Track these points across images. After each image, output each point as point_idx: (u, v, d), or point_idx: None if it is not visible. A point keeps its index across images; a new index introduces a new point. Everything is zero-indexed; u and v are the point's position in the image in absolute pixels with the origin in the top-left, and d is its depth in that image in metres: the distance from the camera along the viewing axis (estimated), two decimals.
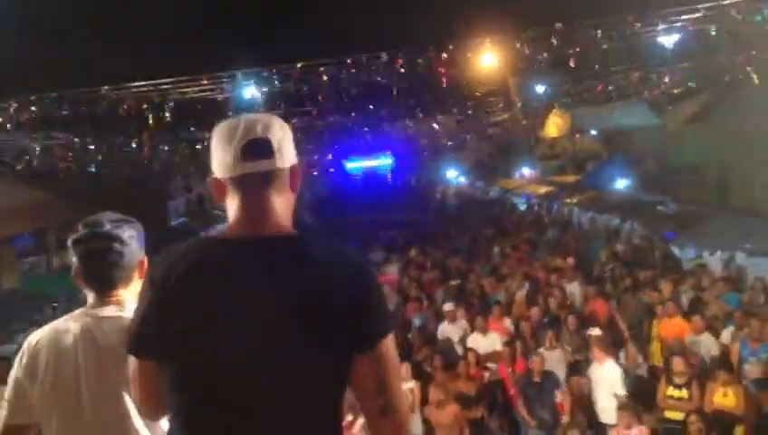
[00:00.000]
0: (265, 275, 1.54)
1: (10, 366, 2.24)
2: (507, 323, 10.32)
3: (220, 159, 1.66)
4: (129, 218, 2.33)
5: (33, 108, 12.01)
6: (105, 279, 2.22)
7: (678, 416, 7.64)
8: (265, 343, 1.52)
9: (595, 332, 8.77)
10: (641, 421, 7.26)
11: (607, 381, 7.95)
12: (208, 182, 1.76)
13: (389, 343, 1.64)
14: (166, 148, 16.56)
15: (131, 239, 2.26)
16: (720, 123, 17.24)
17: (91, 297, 2.26)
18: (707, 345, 8.89)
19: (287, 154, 1.71)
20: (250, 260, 1.56)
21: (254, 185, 1.65)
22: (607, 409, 7.88)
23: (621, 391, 7.81)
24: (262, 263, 1.56)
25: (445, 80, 11.13)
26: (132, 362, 1.70)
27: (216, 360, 1.52)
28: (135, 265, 2.27)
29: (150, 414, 1.84)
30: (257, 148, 1.64)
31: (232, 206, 1.67)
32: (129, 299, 2.25)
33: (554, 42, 11.25)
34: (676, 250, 14.34)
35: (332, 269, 1.58)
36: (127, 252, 2.23)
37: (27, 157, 16.24)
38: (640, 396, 8.09)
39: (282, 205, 1.69)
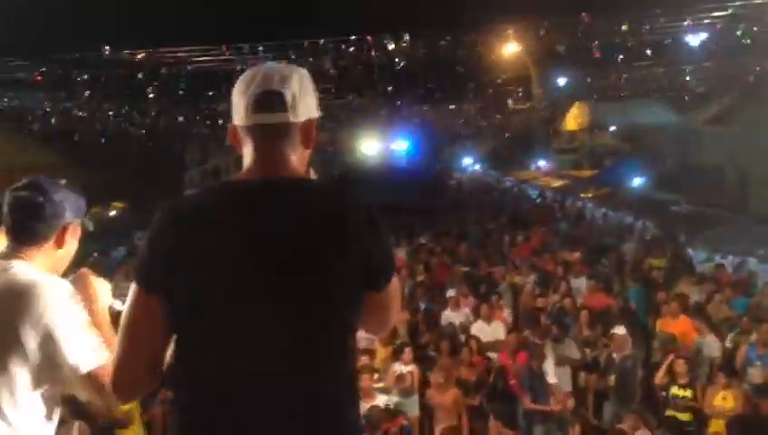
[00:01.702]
0: (279, 215, 1.56)
1: None
2: (506, 313, 10.33)
3: (236, 108, 1.68)
4: (76, 189, 2.28)
5: (54, 68, 12.05)
6: (20, 229, 2.14)
7: (686, 416, 7.63)
8: (281, 282, 1.54)
9: (620, 330, 8.67)
10: (648, 426, 7.23)
11: None
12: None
13: (396, 281, 1.72)
14: (183, 118, 16.59)
15: (63, 201, 2.18)
16: (742, 127, 17.01)
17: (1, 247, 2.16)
18: (711, 348, 8.84)
19: (302, 108, 1.70)
20: (264, 200, 1.59)
21: (266, 136, 1.67)
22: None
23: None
24: (275, 202, 1.58)
25: (465, 65, 11.03)
26: (134, 300, 1.62)
27: (232, 295, 1.54)
28: (57, 226, 2.17)
29: (130, 377, 1.66)
30: (269, 100, 1.65)
31: (246, 153, 1.70)
32: (40, 263, 2.14)
33: (579, 32, 11.10)
34: (689, 251, 14.25)
35: (345, 211, 1.62)
36: (49, 207, 2.14)
37: (45, 117, 16.34)
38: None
39: (295, 157, 1.70)
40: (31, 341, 1.96)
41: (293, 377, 1.55)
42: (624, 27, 10.50)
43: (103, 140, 18.36)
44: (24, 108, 16.19)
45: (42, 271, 2.12)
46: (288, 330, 1.55)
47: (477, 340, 9.07)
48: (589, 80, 17.14)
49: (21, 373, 1.99)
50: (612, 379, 8.40)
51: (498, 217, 20.85)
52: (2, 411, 1.99)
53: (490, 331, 9.50)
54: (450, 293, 10.53)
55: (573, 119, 24.17)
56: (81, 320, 1.98)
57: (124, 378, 1.66)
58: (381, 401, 7.25)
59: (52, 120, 16.82)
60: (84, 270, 2.27)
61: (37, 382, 2.00)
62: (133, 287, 1.63)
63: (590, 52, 11.71)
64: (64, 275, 2.25)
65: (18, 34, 14.88)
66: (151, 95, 14.02)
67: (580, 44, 11.56)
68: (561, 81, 18.34)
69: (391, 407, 7.40)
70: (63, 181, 2.23)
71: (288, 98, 1.67)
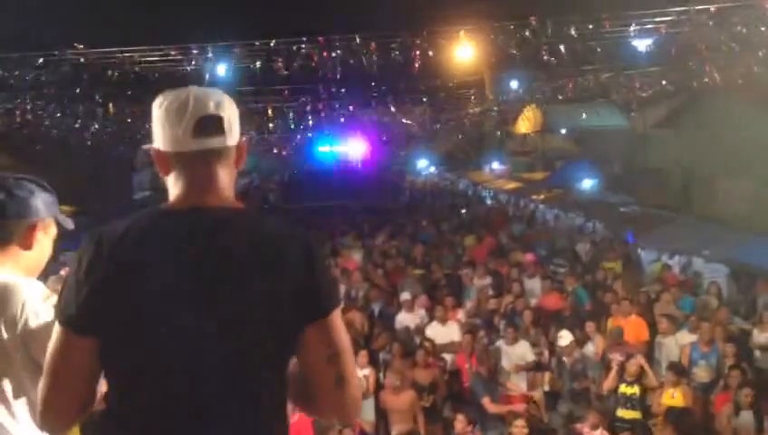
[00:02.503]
0: (215, 245, 1.54)
1: None
2: (460, 314, 10.40)
3: (168, 133, 1.63)
4: (43, 183, 2.20)
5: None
6: None
7: (632, 415, 7.77)
8: (217, 314, 1.51)
9: (565, 338, 8.76)
10: (604, 426, 7.31)
11: None
12: (147, 152, 1.71)
13: (339, 315, 1.66)
14: (130, 120, 16.22)
15: (27, 198, 2.08)
16: (687, 130, 17.49)
17: None
18: (670, 347, 9.02)
19: (236, 132, 1.70)
20: (199, 230, 1.56)
21: (203, 161, 1.64)
22: None
23: None
24: (211, 232, 1.55)
25: (418, 68, 11.05)
26: (60, 341, 1.54)
27: (168, 331, 1.50)
28: (22, 226, 2.08)
29: (59, 414, 1.59)
30: (210, 125, 1.64)
31: (177, 179, 1.65)
32: (9, 268, 2.06)
33: (528, 36, 11.21)
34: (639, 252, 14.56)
35: (282, 241, 1.60)
36: (11, 206, 2.05)
37: None
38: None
39: (227, 179, 1.69)
40: (9, 346, 1.90)
41: (225, 407, 1.53)
42: (572, 31, 10.64)
43: (49, 144, 17.83)
44: None
45: (12, 275, 2.01)
46: (219, 359, 1.52)
47: (431, 342, 9.10)
48: (540, 84, 17.35)
49: (6, 382, 1.93)
50: (563, 380, 8.54)
51: (452, 220, 21.00)
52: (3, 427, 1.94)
53: (445, 332, 9.54)
54: (404, 295, 10.54)
55: (526, 122, 24.47)
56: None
57: (51, 416, 1.60)
58: None
59: None
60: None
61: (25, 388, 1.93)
62: (59, 328, 1.55)
63: (540, 55, 11.84)
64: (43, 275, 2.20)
65: None
66: (98, 97, 13.70)
67: (531, 48, 11.67)
68: (514, 84, 18.53)
69: None
70: (28, 177, 2.11)
71: (226, 123, 1.66)
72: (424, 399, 8.12)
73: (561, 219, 20.24)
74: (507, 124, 23.81)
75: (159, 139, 1.66)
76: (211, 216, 1.59)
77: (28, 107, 14.92)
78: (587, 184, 21.47)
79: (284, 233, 1.62)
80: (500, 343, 9.10)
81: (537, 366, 9.03)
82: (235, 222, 1.60)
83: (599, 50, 11.44)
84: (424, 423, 7.87)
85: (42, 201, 2.13)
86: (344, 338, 1.64)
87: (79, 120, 16.40)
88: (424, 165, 39.37)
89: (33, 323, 1.94)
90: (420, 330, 9.75)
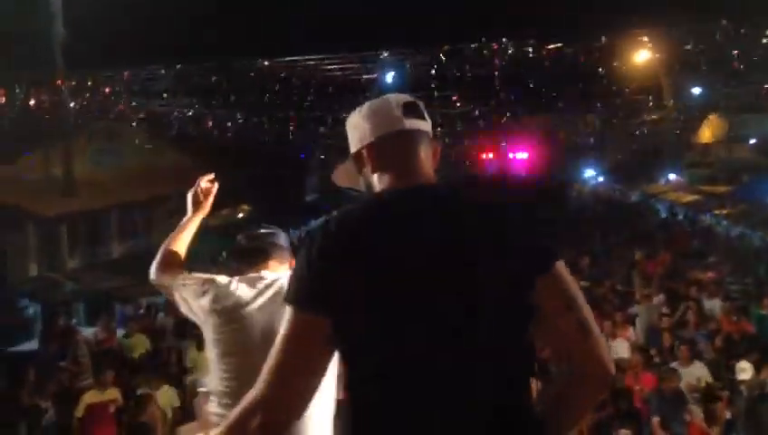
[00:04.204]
0: (447, 221, 1.55)
1: None
2: (630, 331, 9.89)
3: (376, 120, 1.70)
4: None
5: (190, 76, 12.77)
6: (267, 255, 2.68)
7: None
8: (462, 289, 1.50)
9: (746, 370, 8.09)
10: None
11: None
12: (354, 157, 1.76)
13: (564, 267, 1.63)
14: (308, 125, 17.10)
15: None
16: None
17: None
18: None
19: (430, 125, 1.77)
20: (428, 207, 1.58)
21: (414, 140, 1.69)
22: None
23: None
24: (440, 209, 1.58)
25: (593, 73, 10.68)
26: (291, 322, 1.51)
27: (412, 311, 1.48)
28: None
29: (289, 402, 1.51)
30: (415, 108, 1.71)
31: (387, 165, 1.69)
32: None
33: (718, 39, 10.46)
34: None
35: (502, 210, 1.64)
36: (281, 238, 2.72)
37: (181, 122, 17.35)
38: None
39: (431, 165, 1.73)
40: None
41: (480, 384, 1.50)
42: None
43: (233, 146, 19.27)
44: (162, 114, 17.32)
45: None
46: (467, 334, 1.49)
47: None
48: (727, 90, 16.14)
49: None
50: (739, 408, 7.81)
51: (623, 232, 20.06)
52: None
53: (612, 349, 9.12)
54: None
55: (708, 131, 22.80)
56: None
57: (281, 404, 1.50)
58: None
59: (188, 126, 17.87)
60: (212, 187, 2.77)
61: None
62: (290, 309, 1.53)
63: (728, 60, 11.01)
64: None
65: (156, 44, 15.99)
66: (280, 102, 14.61)
67: (719, 52, 10.89)
68: (696, 90, 17.37)
69: None
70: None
71: (424, 110, 1.73)
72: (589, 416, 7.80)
73: (747, 237, 18.61)
74: (687, 133, 22.35)
75: (366, 133, 1.71)
76: (433, 193, 1.63)
77: (214, 112, 16.26)
78: None
79: (500, 203, 1.65)
80: (675, 364, 8.53)
81: (712, 395, 8.31)
82: (456, 197, 1.63)
83: None
84: None
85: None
86: (575, 287, 1.61)
87: (257, 125, 17.57)
88: (592, 174, 37.91)
89: None
90: None
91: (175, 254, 2.70)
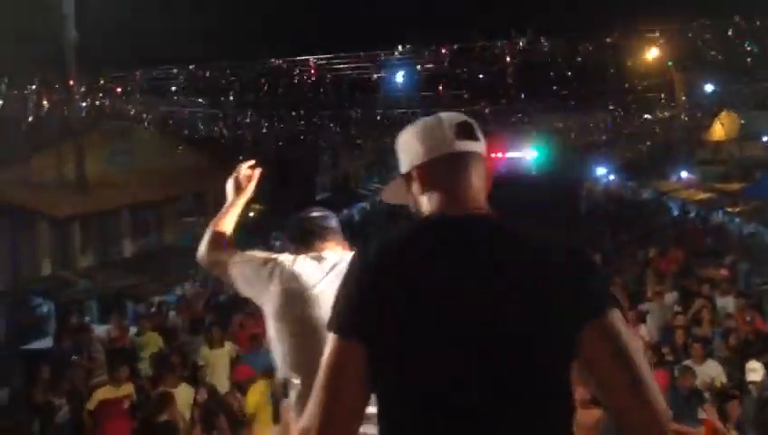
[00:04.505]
0: (494, 256, 1.52)
1: None
2: (642, 329, 9.83)
3: (428, 143, 1.68)
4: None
5: (200, 76, 12.82)
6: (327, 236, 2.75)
7: None
8: (500, 327, 1.48)
9: (757, 371, 8.02)
10: None
11: None
12: (404, 176, 1.75)
13: (619, 317, 1.53)
14: (317, 124, 17.14)
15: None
16: None
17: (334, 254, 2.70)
18: None
19: (484, 145, 1.73)
20: (474, 239, 1.56)
21: (465, 163, 1.67)
22: None
23: None
24: (487, 242, 1.55)
25: (604, 71, 10.63)
26: (333, 351, 1.52)
27: (447, 344, 1.46)
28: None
29: (336, 430, 1.51)
30: (469, 129, 1.69)
31: (436, 188, 1.67)
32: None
33: (730, 35, 10.37)
34: None
35: (554, 250, 1.57)
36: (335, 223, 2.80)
37: (191, 123, 17.42)
38: None
39: (482, 188, 1.69)
40: None
41: (510, 422, 1.47)
42: None
43: (244, 145, 19.33)
44: (173, 114, 17.41)
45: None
46: (501, 372, 1.47)
47: None
48: (739, 87, 16.03)
49: None
50: (747, 409, 7.74)
51: (634, 230, 19.97)
52: None
53: None
54: None
55: (720, 128, 22.64)
56: None
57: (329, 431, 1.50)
58: None
59: (200, 126, 17.93)
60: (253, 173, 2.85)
61: None
62: (331, 337, 1.54)
63: (742, 57, 10.92)
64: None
65: (168, 44, 16.07)
66: (291, 102, 14.65)
67: (732, 49, 10.80)
68: (709, 87, 17.26)
69: None
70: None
71: (478, 131, 1.71)
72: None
73: (760, 235, 18.46)
74: (699, 130, 22.21)
75: (415, 154, 1.70)
76: (481, 223, 1.60)
77: (228, 112, 16.32)
78: None
79: (554, 241, 1.58)
80: (688, 362, 8.49)
81: (726, 393, 8.26)
82: (506, 231, 1.59)
83: None
84: None
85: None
86: (630, 340, 1.51)
87: (268, 124, 17.62)
88: (603, 172, 37.72)
89: None
90: None
91: (223, 234, 2.74)
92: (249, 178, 2.85)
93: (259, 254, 2.63)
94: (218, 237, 2.73)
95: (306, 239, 2.62)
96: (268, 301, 2.50)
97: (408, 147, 1.72)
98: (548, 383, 1.50)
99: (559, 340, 1.49)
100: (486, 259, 1.51)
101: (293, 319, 2.44)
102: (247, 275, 2.56)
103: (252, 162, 2.89)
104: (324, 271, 2.47)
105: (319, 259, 2.52)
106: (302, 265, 2.50)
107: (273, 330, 2.51)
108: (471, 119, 1.72)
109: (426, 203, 1.68)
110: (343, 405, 1.49)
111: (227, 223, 2.78)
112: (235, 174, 2.85)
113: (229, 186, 2.84)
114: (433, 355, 1.46)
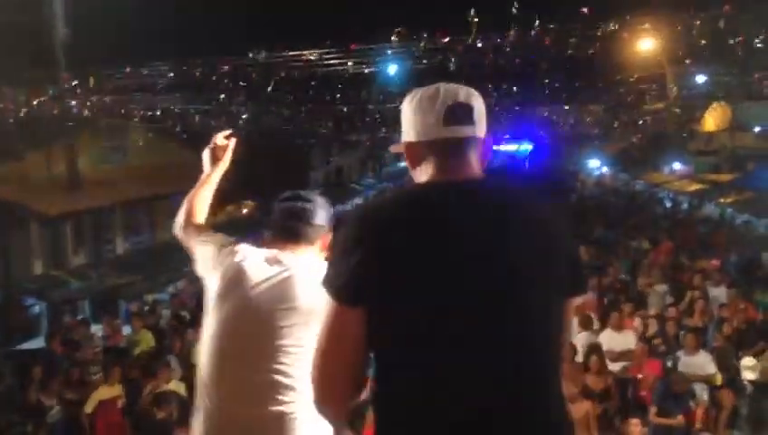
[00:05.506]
0: (484, 214, 1.56)
1: None
2: (637, 322, 9.85)
3: (420, 122, 1.68)
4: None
5: (191, 72, 12.77)
6: (290, 234, 2.46)
7: None
8: (505, 287, 1.52)
9: (749, 364, 8.08)
10: None
11: None
12: (397, 148, 1.76)
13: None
14: (309, 119, 17.10)
15: (328, 210, 2.48)
16: None
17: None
18: None
19: (483, 125, 1.72)
20: (464, 200, 1.58)
21: (454, 149, 1.66)
22: None
23: None
24: (476, 201, 1.59)
25: (596, 62, 10.62)
26: (331, 314, 1.56)
27: (457, 303, 1.49)
28: (321, 232, 2.44)
29: (335, 394, 1.60)
30: (460, 113, 1.66)
31: (427, 166, 1.68)
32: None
33: (721, 27, 10.39)
34: None
35: (550, 211, 1.64)
36: (316, 214, 2.45)
37: (182, 120, 17.37)
38: None
39: (475, 166, 1.70)
40: None
41: (516, 382, 1.52)
42: None
43: (239, 139, 19.29)
44: (164, 111, 17.35)
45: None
46: (504, 331, 1.51)
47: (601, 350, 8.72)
48: (730, 79, 16.06)
49: None
50: (739, 405, 7.79)
51: (627, 221, 20.00)
52: None
53: (621, 340, 9.08)
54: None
55: (712, 119, 22.69)
56: None
57: (327, 397, 1.61)
58: None
59: (190, 123, 17.89)
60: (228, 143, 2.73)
61: None
62: (329, 300, 1.56)
63: (733, 48, 10.94)
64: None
65: (158, 40, 15.98)
66: (282, 97, 14.61)
67: (723, 40, 10.82)
68: (700, 79, 17.29)
69: None
70: (318, 192, 2.57)
71: (476, 113, 1.69)
72: (595, 407, 7.79)
73: (753, 225, 18.54)
74: (691, 121, 22.25)
75: (411, 130, 1.70)
76: (470, 187, 1.62)
77: (219, 108, 16.26)
78: None
79: (548, 204, 1.65)
80: (680, 353, 8.52)
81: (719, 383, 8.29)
82: (498, 192, 1.64)
83: None
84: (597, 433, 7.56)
85: (329, 215, 2.49)
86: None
87: (260, 120, 17.57)
88: (596, 164, 37.81)
89: None
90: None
91: (198, 207, 2.65)
92: (225, 149, 2.76)
93: (223, 238, 2.49)
94: (192, 211, 2.64)
95: (279, 235, 2.43)
96: (210, 288, 2.35)
97: (405, 119, 1.73)
98: (546, 344, 1.57)
99: (559, 309, 1.58)
100: (487, 216, 1.55)
101: (219, 318, 2.27)
102: (205, 255, 2.43)
103: (227, 132, 2.80)
104: (267, 276, 2.27)
105: (272, 262, 2.31)
106: (250, 262, 2.31)
107: (205, 320, 2.36)
108: (470, 95, 1.69)
109: (416, 176, 1.71)
110: (347, 373, 1.57)
111: (203, 196, 2.70)
112: (210, 144, 2.76)
113: (205, 156, 2.76)
114: (426, 313, 1.50)
